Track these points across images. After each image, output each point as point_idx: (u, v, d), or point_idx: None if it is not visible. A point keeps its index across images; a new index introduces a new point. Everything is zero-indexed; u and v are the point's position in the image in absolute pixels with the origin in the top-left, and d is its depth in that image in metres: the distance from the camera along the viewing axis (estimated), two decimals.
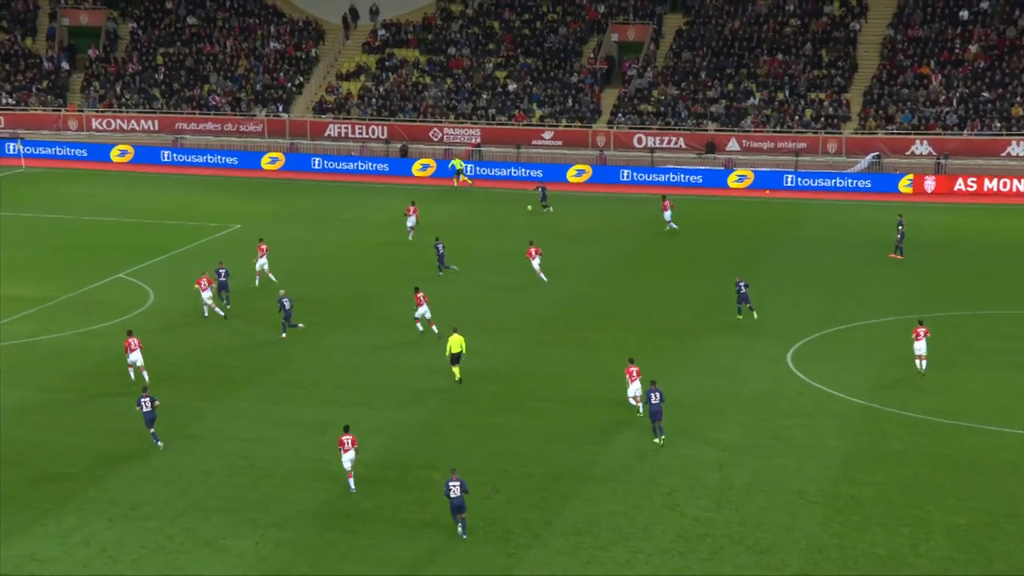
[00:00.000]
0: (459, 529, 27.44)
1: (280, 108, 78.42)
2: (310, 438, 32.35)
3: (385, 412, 34.27)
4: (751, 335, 40.92)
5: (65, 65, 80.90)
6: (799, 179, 66.96)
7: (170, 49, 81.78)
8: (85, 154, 71.62)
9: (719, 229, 57.26)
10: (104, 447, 31.51)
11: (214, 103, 78.52)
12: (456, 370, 36.47)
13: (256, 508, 28.71)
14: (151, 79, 79.85)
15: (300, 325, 40.67)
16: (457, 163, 68.88)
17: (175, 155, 71.84)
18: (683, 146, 72.46)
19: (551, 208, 58.89)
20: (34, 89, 78.85)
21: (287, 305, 40.39)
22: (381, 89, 79.48)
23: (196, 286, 41.76)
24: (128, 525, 27.67)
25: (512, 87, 78.73)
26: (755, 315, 42.15)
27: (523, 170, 70.33)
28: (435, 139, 76.02)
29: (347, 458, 29.60)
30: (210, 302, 41.63)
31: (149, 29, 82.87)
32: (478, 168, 70.44)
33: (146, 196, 62.90)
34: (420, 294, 40.48)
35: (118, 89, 79.20)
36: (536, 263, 47.32)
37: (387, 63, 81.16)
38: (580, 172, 69.66)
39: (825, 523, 28.02)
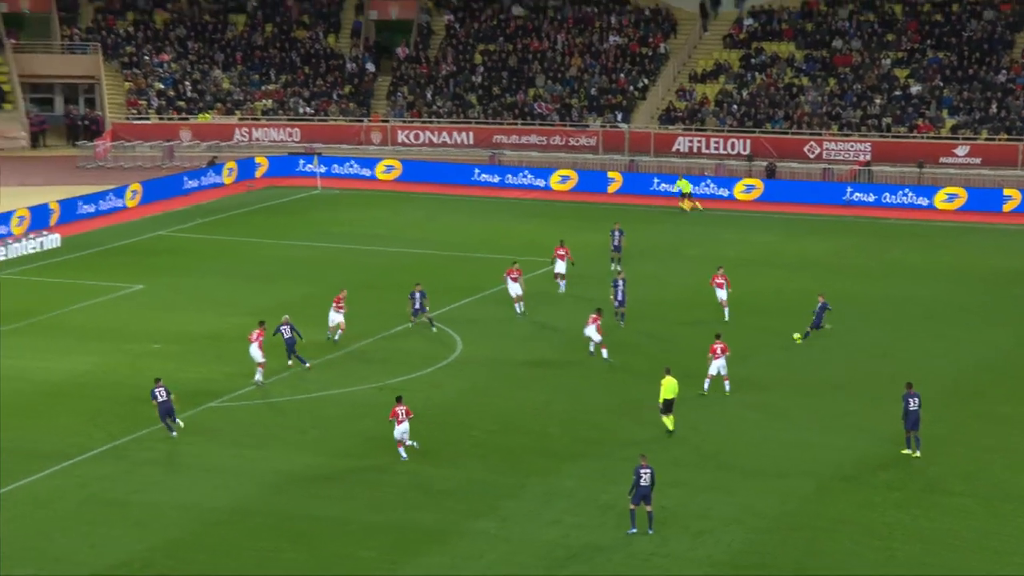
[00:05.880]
0: (645, 521, 31.53)
1: (619, 117, 79.71)
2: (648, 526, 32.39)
3: (741, 498, 33.92)
4: None
5: (370, 67, 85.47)
6: None
7: (491, 46, 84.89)
8: (388, 173, 74.97)
9: None
10: (402, 525, 32.66)
11: (540, 111, 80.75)
12: (669, 421, 37.67)
13: None
14: (467, 82, 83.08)
15: (307, 364, 42.91)
16: (683, 184, 67.89)
17: (491, 174, 74.17)
18: None
19: (619, 267, 53.63)
20: (335, 96, 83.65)
21: (286, 334, 42.58)
22: (745, 93, 79.41)
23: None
24: None
25: (916, 89, 76.79)
26: (800, 339, 45.08)
27: (923, 198, 68.29)
28: (812, 155, 75.12)
29: (400, 430, 35.66)
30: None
31: (468, 22, 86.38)
32: (869, 193, 68.96)
33: (456, 223, 65.21)
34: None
35: (429, 95, 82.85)
36: (561, 266, 50.56)
37: (754, 60, 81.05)
38: (1007, 198, 66.97)
39: None
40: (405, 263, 56.84)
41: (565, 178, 71.97)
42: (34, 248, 58.15)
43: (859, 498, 34.13)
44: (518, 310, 48.56)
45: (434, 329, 46.94)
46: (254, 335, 41.66)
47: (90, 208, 64.88)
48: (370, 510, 33.51)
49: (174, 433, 37.47)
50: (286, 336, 42.82)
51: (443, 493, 34.41)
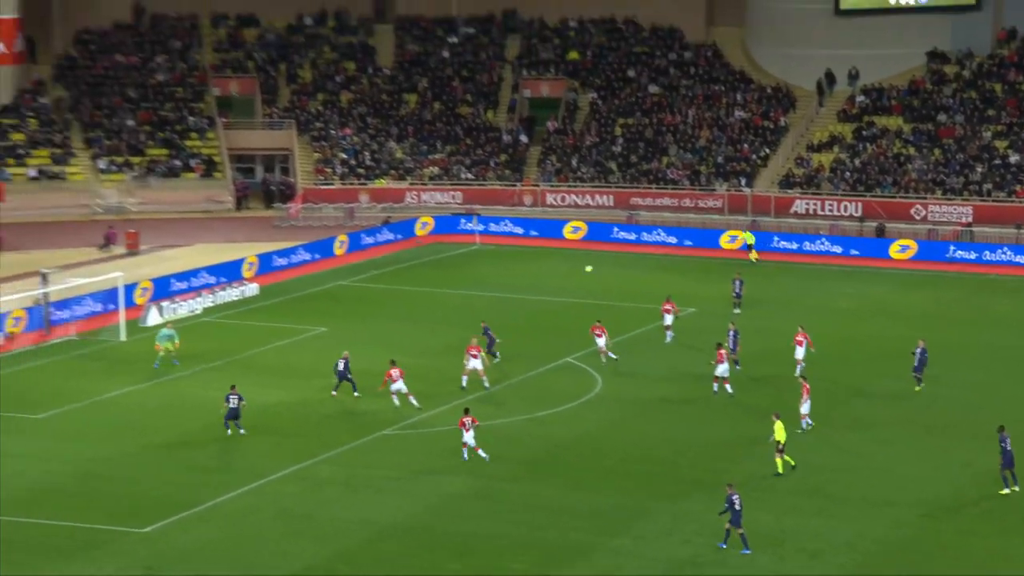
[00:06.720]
0: (739, 544, 31.37)
1: (743, 182, 79.19)
2: (767, 548, 31.99)
3: (852, 524, 33.35)
4: None
5: (523, 138, 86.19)
6: None
7: (629, 120, 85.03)
8: (537, 232, 75.16)
9: None
10: (548, 541, 32.70)
11: (672, 176, 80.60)
12: (787, 459, 36.60)
13: None
14: (608, 151, 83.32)
15: (334, 393, 43.55)
16: (747, 236, 67.60)
17: (629, 232, 73.96)
18: None
19: (738, 310, 54.47)
20: (492, 163, 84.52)
21: (340, 367, 43.50)
22: (857, 161, 78.36)
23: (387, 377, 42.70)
24: None
25: (1015, 159, 75.08)
26: (918, 388, 43.65)
27: (1021, 256, 66.58)
28: (918, 217, 73.75)
29: (468, 436, 37.58)
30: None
31: (609, 99, 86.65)
32: (970, 252, 67.40)
33: (597, 275, 65.23)
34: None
35: (574, 162, 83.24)
36: (668, 319, 49.92)
37: (865, 132, 79.97)
38: None
39: None
40: (551, 310, 57.04)
41: (733, 238, 70.59)
42: (236, 296, 59.52)
43: (962, 526, 33.35)
44: (603, 360, 47.69)
45: (497, 358, 46.95)
46: (395, 373, 42.38)
47: (283, 261, 66.30)
48: (519, 527, 33.61)
49: (242, 431, 40.13)
50: (339, 368, 43.64)
51: (584, 513, 34.40)
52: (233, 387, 40.78)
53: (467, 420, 37.94)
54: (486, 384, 44.74)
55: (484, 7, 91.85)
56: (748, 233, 68.58)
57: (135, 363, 48.08)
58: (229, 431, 40.31)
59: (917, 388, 44.28)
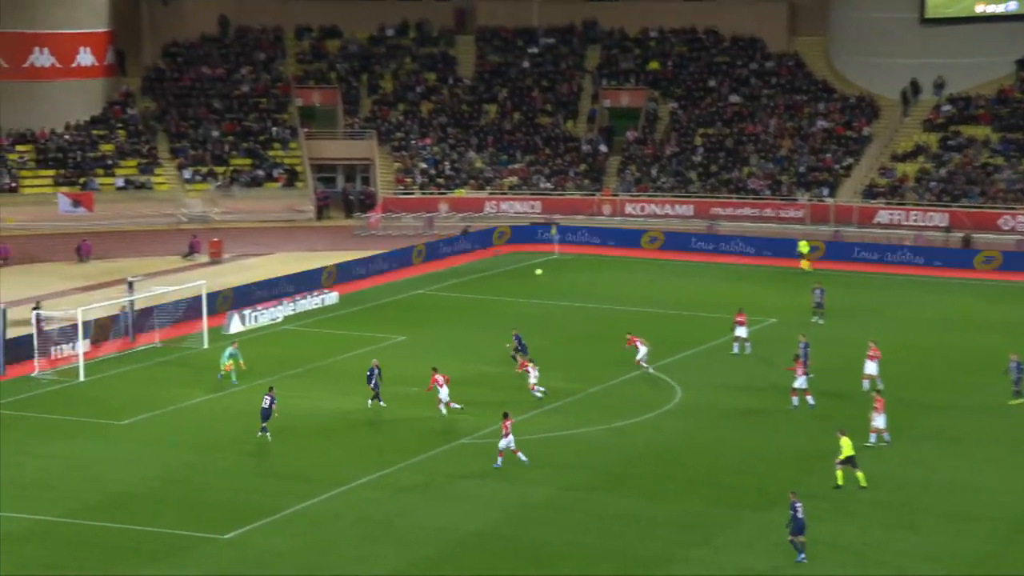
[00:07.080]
0: (801, 554, 30.92)
1: (825, 192, 78.12)
2: (851, 561, 31.37)
3: (938, 538, 32.62)
4: None
5: (603, 148, 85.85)
6: None
7: (710, 129, 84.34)
8: (615, 242, 74.62)
9: None
10: (626, 551, 32.34)
11: (753, 186, 79.74)
12: (839, 474, 35.77)
13: None
14: (688, 161, 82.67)
15: (382, 403, 43.42)
16: (803, 245, 66.05)
17: (708, 242, 73.15)
18: None
19: (821, 320, 53.97)
20: (571, 173, 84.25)
21: (370, 375, 43.41)
22: (943, 171, 76.98)
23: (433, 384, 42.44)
24: None
25: None
26: (1015, 401, 42.45)
27: None
28: (1006, 228, 72.28)
29: (505, 441, 37.27)
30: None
31: (689, 109, 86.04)
32: None
33: (676, 285, 64.68)
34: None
35: (653, 172, 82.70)
36: (742, 331, 49.20)
37: (951, 142, 78.57)
38: None
39: None
40: (629, 319, 56.50)
41: (814, 248, 69.28)
42: (316, 304, 59.74)
43: None
44: (647, 369, 47.20)
45: (523, 360, 46.42)
46: (440, 379, 42.16)
47: (363, 270, 66.50)
48: (597, 536, 33.30)
49: (268, 436, 40.19)
50: (370, 377, 43.75)
51: (663, 523, 34.01)
52: (271, 388, 40.98)
53: (508, 424, 37.78)
54: (541, 393, 44.35)
55: (565, 18, 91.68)
56: (803, 241, 67.63)
57: (217, 370, 48.36)
58: (269, 436, 40.35)
59: (1012, 401, 43.23)
